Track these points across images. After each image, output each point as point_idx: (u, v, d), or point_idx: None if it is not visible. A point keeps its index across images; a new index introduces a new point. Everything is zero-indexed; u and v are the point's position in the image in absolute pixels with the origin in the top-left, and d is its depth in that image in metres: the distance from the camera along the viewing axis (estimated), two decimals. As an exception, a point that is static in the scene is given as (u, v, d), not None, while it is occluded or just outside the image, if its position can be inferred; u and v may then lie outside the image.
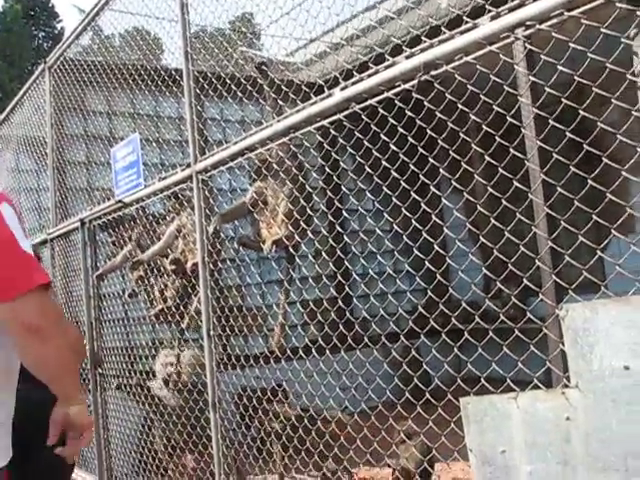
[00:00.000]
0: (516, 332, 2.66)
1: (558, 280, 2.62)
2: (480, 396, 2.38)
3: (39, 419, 3.70)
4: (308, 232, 3.94)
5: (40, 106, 7.23)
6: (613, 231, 2.27)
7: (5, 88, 30.68)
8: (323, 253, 3.77)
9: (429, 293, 3.32)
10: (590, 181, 2.31)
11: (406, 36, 3.17)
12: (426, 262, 3.02)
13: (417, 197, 3.03)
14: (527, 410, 2.21)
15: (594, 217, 2.28)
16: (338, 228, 3.78)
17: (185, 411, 4.93)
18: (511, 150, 2.62)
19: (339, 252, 3.83)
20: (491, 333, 2.76)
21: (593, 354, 2.04)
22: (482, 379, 2.73)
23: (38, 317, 2.15)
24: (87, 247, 5.92)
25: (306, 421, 4.35)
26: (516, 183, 2.58)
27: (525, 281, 2.65)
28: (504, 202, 2.60)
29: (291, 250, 4.36)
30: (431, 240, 2.99)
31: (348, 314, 3.71)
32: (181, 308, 5.55)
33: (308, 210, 3.88)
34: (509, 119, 2.53)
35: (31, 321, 2.14)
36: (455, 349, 3.11)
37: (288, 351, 4.33)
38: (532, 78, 2.44)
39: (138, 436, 5.77)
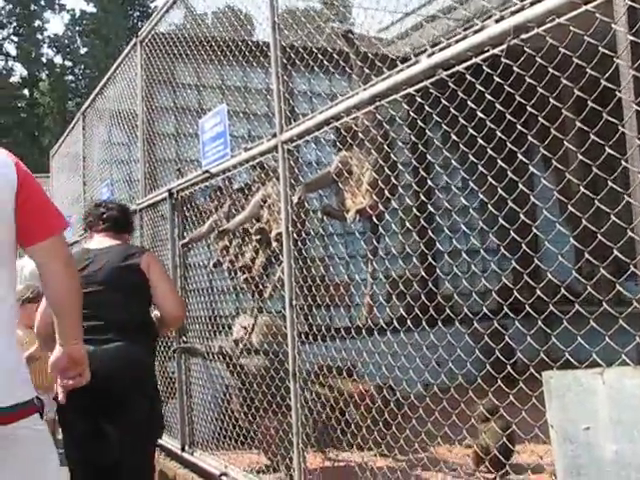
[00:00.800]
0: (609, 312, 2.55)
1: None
2: (564, 370, 2.30)
3: (136, 374, 3.83)
4: (393, 202, 3.90)
5: (132, 79, 7.37)
6: None
7: (101, 67, 31.51)
8: (408, 224, 3.73)
9: (517, 271, 3.24)
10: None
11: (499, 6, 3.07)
12: (515, 238, 2.94)
13: (506, 167, 2.94)
14: (613, 386, 2.12)
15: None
16: (424, 199, 3.72)
17: (261, 376, 4.97)
18: (605, 116, 2.50)
19: (425, 226, 3.78)
20: (582, 310, 2.66)
21: (686, 328, 1.94)
22: (569, 360, 2.65)
23: (69, 253, 2.76)
24: (174, 217, 6.02)
25: (385, 393, 4.31)
26: (611, 152, 2.47)
27: (620, 257, 2.55)
28: (595, 185, 2.50)
29: (375, 220, 4.32)
30: (519, 211, 2.90)
31: (433, 290, 3.67)
32: (264, 277, 5.59)
33: (393, 179, 3.83)
34: (604, 82, 2.41)
35: (66, 255, 2.69)
36: (541, 326, 3.01)
37: (375, 324, 4.30)
38: (632, 38, 2.31)
39: (219, 403, 5.87)
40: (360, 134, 4.24)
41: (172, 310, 4.09)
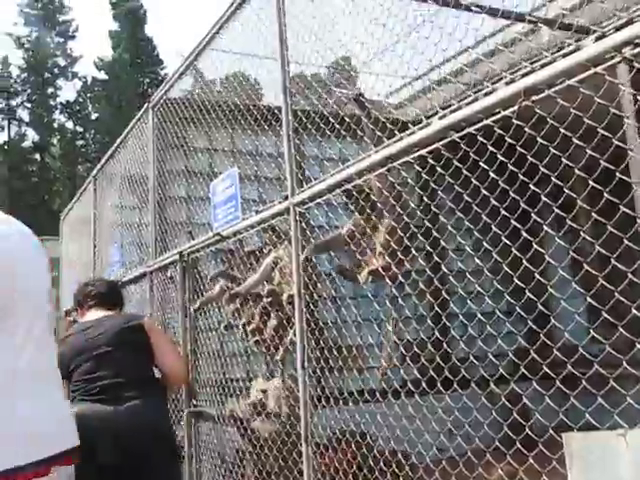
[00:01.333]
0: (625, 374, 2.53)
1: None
2: (585, 432, 2.26)
3: (162, 430, 3.82)
4: (406, 264, 3.90)
5: (143, 144, 7.46)
6: None
7: (112, 132, 32.01)
8: (422, 286, 3.72)
9: (530, 334, 3.22)
10: None
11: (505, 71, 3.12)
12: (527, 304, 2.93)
13: (519, 226, 2.94)
14: (637, 449, 2.08)
15: None
16: (437, 260, 3.72)
17: (272, 441, 4.90)
18: (612, 191, 2.52)
19: (439, 287, 3.76)
20: (604, 372, 2.63)
21: None
22: (587, 424, 2.60)
23: None
24: (185, 280, 6.02)
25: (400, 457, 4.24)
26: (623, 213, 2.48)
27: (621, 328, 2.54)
28: (606, 247, 2.50)
29: (388, 282, 4.31)
30: (533, 270, 2.89)
31: (447, 352, 3.63)
32: (276, 340, 5.56)
33: (406, 241, 3.84)
34: (615, 142, 2.43)
35: None
36: (556, 390, 2.97)
37: (390, 386, 4.25)
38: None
39: (229, 468, 5.77)
40: (373, 196, 4.26)
41: (174, 369, 4.15)
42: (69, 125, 37.90)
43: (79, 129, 38.21)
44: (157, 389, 4.00)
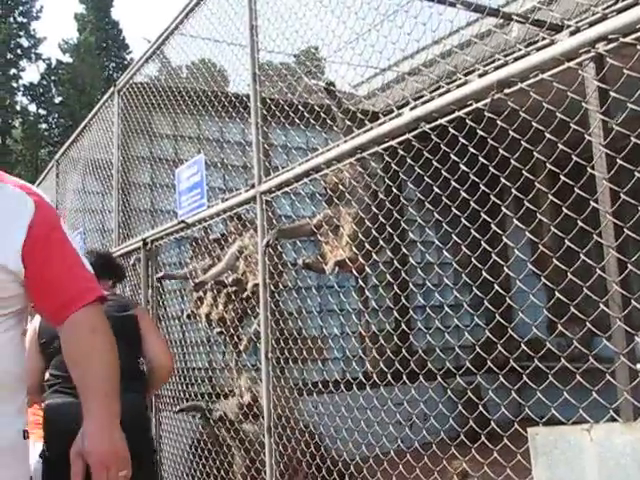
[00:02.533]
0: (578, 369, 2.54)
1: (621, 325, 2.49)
2: (550, 427, 2.26)
3: (144, 426, 3.74)
4: (373, 255, 3.88)
5: (108, 128, 7.35)
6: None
7: (75, 116, 31.56)
8: (388, 278, 3.71)
9: (490, 329, 3.23)
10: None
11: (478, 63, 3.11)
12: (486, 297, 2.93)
13: (484, 217, 2.94)
14: (602, 443, 2.08)
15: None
16: (404, 251, 3.71)
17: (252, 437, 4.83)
18: (578, 188, 2.52)
19: (406, 279, 3.75)
20: (551, 377, 2.64)
21: (675, 385, 1.92)
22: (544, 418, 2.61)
23: (101, 322, 2.35)
24: (149, 267, 5.95)
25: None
26: (582, 220, 2.48)
27: (588, 323, 2.55)
28: (570, 242, 2.50)
29: (354, 273, 4.30)
30: (500, 262, 2.89)
31: (406, 346, 3.62)
32: (239, 330, 5.52)
33: (374, 232, 3.81)
34: (576, 157, 2.43)
35: (96, 325, 2.32)
36: (514, 384, 2.98)
37: (354, 378, 4.23)
38: (611, 92, 2.34)
39: (190, 458, 5.73)
40: (341, 186, 4.23)
41: (163, 361, 4.00)
42: (32, 108, 37.27)
43: (42, 112, 37.58)
44: (140, 384, 3.89)
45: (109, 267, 4.30)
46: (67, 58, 37.53)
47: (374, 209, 3.90)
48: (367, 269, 4.12)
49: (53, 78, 37.27)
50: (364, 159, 3.45)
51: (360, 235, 3.98)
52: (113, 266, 4.38)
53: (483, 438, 2.95)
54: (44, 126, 37.91)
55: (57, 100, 37.50)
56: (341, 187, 4.20)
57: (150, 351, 3.92)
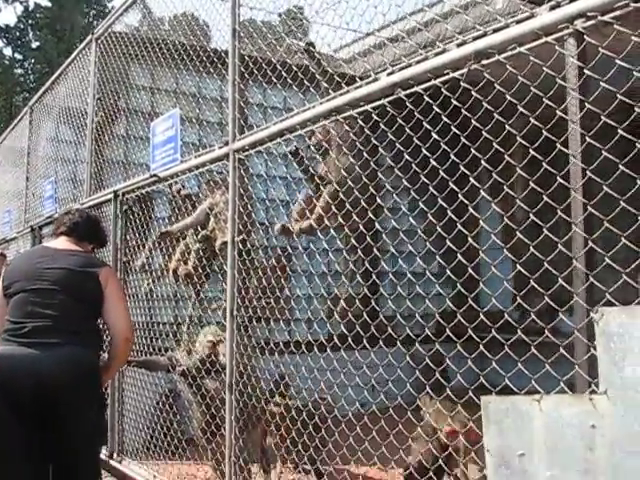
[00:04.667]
0: (538, 344, 2.58)
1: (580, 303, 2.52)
2: (503, 396, 2.30)
3: (89, 380, 3.70)
4: (339, 219, 3.89)
5: (84, 77, 7.25)
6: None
7: (52, 63, 30.98)
8: (353, 242, 3.72)
9: (455, 299, 3.26)
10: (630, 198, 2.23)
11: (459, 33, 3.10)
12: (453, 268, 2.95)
13: (457, 189, 2.95)
14: (550, 414, 2.13)
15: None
16: (371, 217, 3.72)
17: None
18: (551, 164, 2.54)
19: (371, 244, 3.76)
20: (526, 339, 2.69)
21: (626, 361, 1.96)
22: (504, 387, 2.66)
23: None
24: (118, 219, 5.92)
25: (305, 415, 4.24)
26: (550, 202, 2.50)
27: (547, 297, 2.59)
28: (539, 217, 2.52)
29: (320, 236, 4.31)
30: (466, 233, 2.92)
31: (369, 311, 3.65)
32: (206, 286, 5.53)
33: (342, 196, 3.82)
34: (547, 133, 2.45)
35: None
36: (477, 353, 3.02)
37: (316, 340, 4.26)
38: (586, 72, 2.35)
39: (152, 412, 5.76)
40: (313, 147, 4.23)
41: (123, 331, 3.82)
42: (7, 52, 36.53)
43: (18, 57, 36.87)
44: (92, 340, 3.81)
45: (93, 233, 4.22)
46: (46, 2, 36.75)
47: (344, 173, 3.91)
48: (333, 232, 4.13)
49: (30, 22, 36.49)
50: (340, 122, 3.44)
51: (329, 199, 3.99)
52: (97, 233, 4.28)
53: (438, 404, 3.00)
54: (19, 71, 37.21)
55: (34, 45, 36.78)
56: (325, 145, 4.20)
57: (111, 318, 3.80)
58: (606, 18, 2.11)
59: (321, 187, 4.37)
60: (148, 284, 6.10)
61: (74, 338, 3.60)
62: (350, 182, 3.88)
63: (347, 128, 4.16)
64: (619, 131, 2.26)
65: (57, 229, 4.09)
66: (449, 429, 4.36)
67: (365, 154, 3.65)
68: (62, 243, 3.97)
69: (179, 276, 5.81)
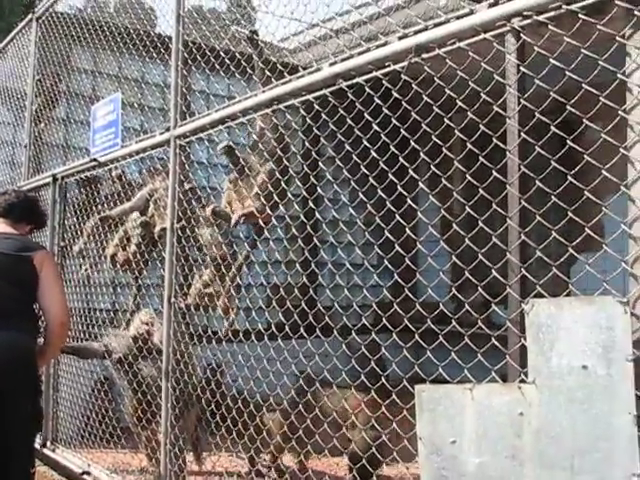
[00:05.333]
0: (470, 336, 2.64)
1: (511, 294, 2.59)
2: (436, 384, 2.35)
3: (26, 365, 3.62)
4: (280, 207, 3.90)
5: (24, 57, 7.10)
6: (570, 249, 2.25)
7: (-9, 41, 30.21)
8: (294, 231, 3.73)
9: (392, 289, 3.31)
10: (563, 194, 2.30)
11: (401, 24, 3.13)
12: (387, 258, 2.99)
13: (396, 181, 2.99)
14: (482, 402, 2.18)
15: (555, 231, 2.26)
16: (311, 206, 3.74)
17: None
18: (488, 158, 2.59)
19: (310, 233, 3.79)
20: (441, 337, 2.74)
21: (553, 351, 2.02)
22: (437, 378, 2.71)
23: None
24: (56, 204, 5.82)
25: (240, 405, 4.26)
26: (486, 195, 2.55)
27: (481, 289, 2.64)
28: (475, 210, 2.58)
29: (261, 224, 4.31)
30: (404, 225, 2.96)
31: (312, 299, 3.68)
32: (144, 273, 5.49)
33: (283, 185, 3.83)
34: (496, 108, 2.50)
35: None
36: (413, 344, 3.07)
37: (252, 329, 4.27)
38: (522, 69, 2.41)
39: (87, 399, 5.69)
40: (255, 136, 4.23)
41: (58, 315, 3.73)
42: (-57, 29, 35.48)
43: (-45, 35, 35.88)
44: (28, 324, 3.72)
45: (31, 212, 4.10)
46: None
47: (286, 162, 3.92)
48: (274, 221, 4.15)
49: (-32, -1, 35.51)
50: (280, 111, 3.45)
51: (270, 187, 4.00)
52: (34, 213, 4.17)
53: (372, 393, 3.04)
54: (-43, 50, 36.20)
55: (-28, 23, 35.81)
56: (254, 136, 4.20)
57: (46, 302, 3.69)
58: (541, 18, 2.16)
59: (250, 175, 4.37)
60: (85, 269, 6.01)
61: (9, 322, 3.54)
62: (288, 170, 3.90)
63: (289, 117, 4.18)
64: (552, 128, 2.32)
65: None
66: (354, 402, 4.49)
67: (307, 144, 3.67)
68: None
69: (117, 262, 5.75)
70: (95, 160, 5.18)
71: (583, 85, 2.18)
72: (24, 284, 3.67)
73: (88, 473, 4.95)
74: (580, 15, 2.04)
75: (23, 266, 3.67)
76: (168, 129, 4.25)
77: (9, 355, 3.48)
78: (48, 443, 5.72)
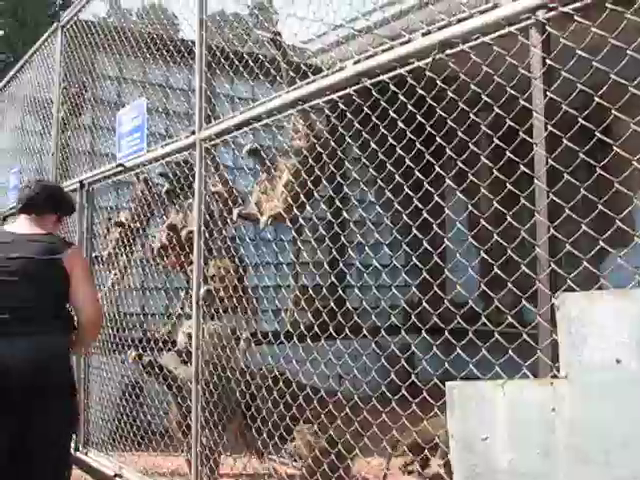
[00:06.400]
0: (499, 335, 2.62)
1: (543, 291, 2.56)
2: (467, 381, 2.34)
3: (60, 367, 3.67)
4: (307, 207, 3.90)
5: (50, 66, 7.17)
6: (602, 243, 2.23)
7: (17, 51, 30.54)
8: (322, 231, 3.74)
9: (423, 290, 3.28)
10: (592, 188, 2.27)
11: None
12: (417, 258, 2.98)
13: (423, 178, 2.97)
14: (513, 398, 2.17)
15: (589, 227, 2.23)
16: (338, 206, 3.74)
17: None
18: (516, 154, 2.57)
19: (339, 232, 3.78)
20: (491, 327, 2.72)
21: (585, 345, 2.00)
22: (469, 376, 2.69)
23: None
24: (84, 209, 5.87)
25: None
26: (515, 191, 2.53)
27: (511, 285, 2.62)
28: (503, 205, 2.56)
29: (289, 224, 4.31)
30: (431, 221, 2.94)
31: (336, 301, 3.67)
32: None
33: (309, 185, 3.82)
34: (522, 102, 2.48)
35: None
36: (442, 345, 3.05)
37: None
38: (548, 62, 2.38)
39: (118, 403, 5.73)
40: (280, 137, 4.24)
41: (91, 315, 3.76)
42: (-31, 40, 35.92)
43: (-19, 46, 36.30)
44: (59, 325, 3.74)
45: (54, 201, 4.06)
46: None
47: (312, 162, 3.91)
48: (301, 221, 4.14)
49: (-9, 7, 35.91)
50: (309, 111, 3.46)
51: (296, 187, 4.00)
52: (59, 199, 4.12)
53: (403, 391, 3.02)
54: (-18, 60, 36.64)
55: (-4, 33, 36.22)
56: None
57: (78, 301, 3.72)
58: (567, 9, 2.14)
59: (277, 176, 4.37)
60: (115, 274, 6.06)
61: (39, 327, 3.56)
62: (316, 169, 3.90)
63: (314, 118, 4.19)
64: (580, 121, 2.30)
65: (17, 206, 3.98)
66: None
67: (332, 143, 3.67)
68: (22, 225, 3.82)
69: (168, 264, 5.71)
70: (121, 165, 5.22)
71: (611, 77, 2.15)
72: (54, 287, 3.67)
73: (120, 476, 4.98)
74: (608, 5, 2.02)
75: (53, 270, 3.66)
76: (193, 132, 4.27)
77: (40, 359, 3.51)
78: (80, 446, 5.77)
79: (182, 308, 5.69)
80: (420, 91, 2.82)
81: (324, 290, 3.89)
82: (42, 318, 3.61)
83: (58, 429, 3.60)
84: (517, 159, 2.56)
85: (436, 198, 2.99)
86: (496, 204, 2.66)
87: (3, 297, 3.51)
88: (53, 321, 3.65)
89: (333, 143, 3.63)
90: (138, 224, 5.84)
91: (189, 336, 4.70)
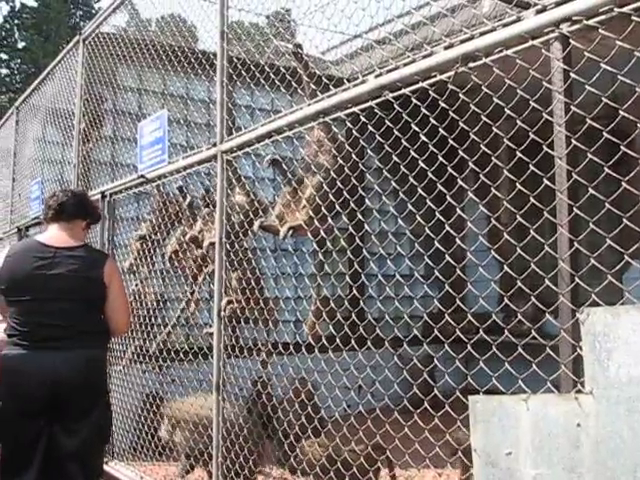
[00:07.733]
0: (522, 347, 2.60)
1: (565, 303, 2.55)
2: (490, 395, 2.33)
3: (97, 379, 3.82)
4: (329, 219, 3.90)
5: (71, 78, 7.23)
6: (627, 257, 2.21)
7: (39, 63, 30.81)
8: (343, 243, 3.74)
9: (442, 300, 3.28)
10: (614, 201, 2.26)
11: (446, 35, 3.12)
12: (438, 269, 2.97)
13: (444, 191, 2.97)
14: (537, 413, 2.15)
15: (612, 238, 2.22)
16: (360, 219, 3.73)
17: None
18: (537, 166, 2.56)
19: (360, 245, 3.78)
20: (494, 347, 2.71)
21: (611, 360, 1.98)
22: (489, 388, 2.68)
23: None
24: (106, 220, 5.91)
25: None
26: (537, 201, 2.52)
27: (534, 298, 2.61)
28: (525, 218, 2.55)
29: (310, 236, 4.31)
30: (453, 234, 2.94)
31: (357, 312, 3.67)
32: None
33: (332, 197, 3.83)
34: (545, 116, 2.47)
35: None
36: (463, 356, 3.04)
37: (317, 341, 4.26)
38: (572, 75, 2.38)
39: (139, 413, 5.75)
40: (302, 150, 4.25)
41: (122, 324, 4.09)
42: (-7, 51, 36.28)
43: (4, 57, 36.64)
44: (100, 341, 3.95)
45: (83, 207, 4.11)
46: (32, 2, 36.54)
47: (333, 174, 3.92)
48: (322, 234, 4.14)
49: (17, 22, 36.29)
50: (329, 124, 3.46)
51: (318, 199, 4.00)
52: (87, 206, 4.18)
53: (426, 404, 3.01)
54: (5, 71, 36.99)
55: (20, 45, 36.57)
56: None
57: (113, 310, 3.96)
58: (591, 22, 2.14)
59: (298, 189, 4.38)
60: (136, 285, 6.10)
61: (81, 341, 3.73)
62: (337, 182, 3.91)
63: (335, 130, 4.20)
64: (604, 134, 2.28)
65: (46, 215, 4.05)
66: None
67: (353, 156, 3.67)
68: (55, 236, 3.92)
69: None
70: (143, 176, 5.25)
71: (637, 89, 2.14)
72: (91, 301, 3.87)
73: (141, 486, 5.00)
74: (633, 17, 2.01)
75: (92, 285, 3.83)
76: (215, 144, 4.28)
77: (88, 372, 3.69)
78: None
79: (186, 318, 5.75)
80: (442, 104, 2.82)
81: (345, 301, 3.90)
82: (88, 333, 3.81)
83: (96, 437, 3.78)
84: (539, 172, 2.55)
85: (458, 210, 2.99)
86: (518, 217, 2.65)
87: (51, 314, 3.72)
88: (98, 336, 3.86)
89: (355, 156, 3.63)
90: (158, 235, 5.89)
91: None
